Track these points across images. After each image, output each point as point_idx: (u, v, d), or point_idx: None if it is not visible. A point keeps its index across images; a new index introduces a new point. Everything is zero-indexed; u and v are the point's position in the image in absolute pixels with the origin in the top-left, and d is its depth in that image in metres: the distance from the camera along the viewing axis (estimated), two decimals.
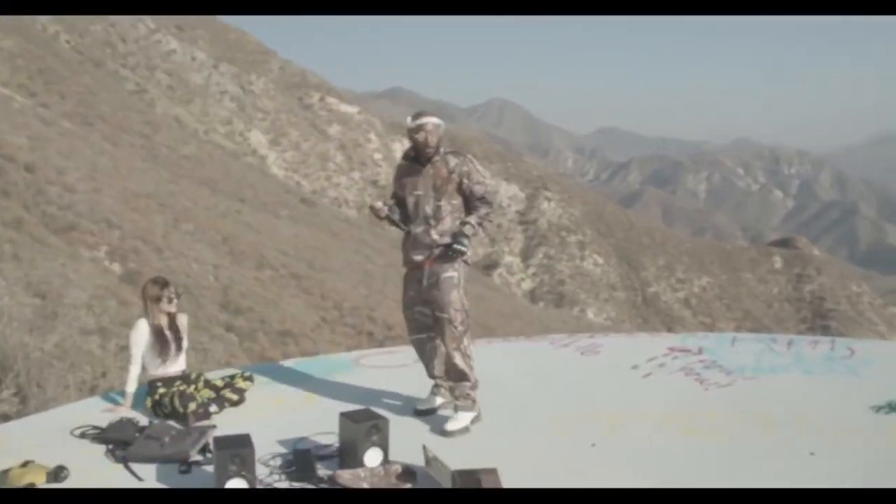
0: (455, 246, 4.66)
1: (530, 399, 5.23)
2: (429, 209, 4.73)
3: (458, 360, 4.68)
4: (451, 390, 4.77)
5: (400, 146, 78.28)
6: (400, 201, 4.88)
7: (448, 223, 4.72)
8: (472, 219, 4.73)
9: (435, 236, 4.72)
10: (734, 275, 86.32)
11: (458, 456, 3.85)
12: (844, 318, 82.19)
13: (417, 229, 4.77)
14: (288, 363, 6.38)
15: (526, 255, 74.31)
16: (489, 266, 70.69)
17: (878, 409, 4.86)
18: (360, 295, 32.00)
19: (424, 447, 3.86)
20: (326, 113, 75.64)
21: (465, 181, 4.72)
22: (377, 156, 75.33)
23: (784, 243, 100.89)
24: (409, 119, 4.79)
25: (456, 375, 4.71)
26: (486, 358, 6.12)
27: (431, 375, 4.93)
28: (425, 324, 4.85)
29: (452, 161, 4.75)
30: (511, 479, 3.62)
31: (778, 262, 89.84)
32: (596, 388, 5.48)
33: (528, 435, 4.50)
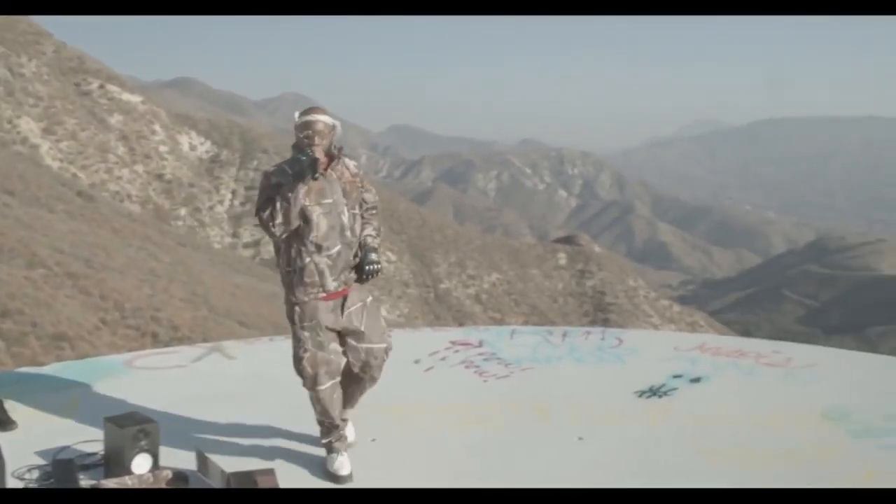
0: (372, 266, 3.98)
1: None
2: (346, 220, 3.89)
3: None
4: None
5: (188, 139, 75.52)
6: (297, 216, 3.76)
7: (359, 238, 3.98)
8: (372, 231, 4.08)
9: (352, 255, 3.93)
10: (522, 271, 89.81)
11: (236, 459, 3.73)
12: (622, 311, 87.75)
13: (334, 248, 3.84)
14: (51, 368, 5.92)
15: None
16: None
17: (641, 393, 5.20)
18: (144, 295, 30.50)
19: (197, 450, 3.71)
20: (107, 101, 71.37)
21: (361, 188, 4.04)
22: (163, 148, 72.17)
23: (568, 240, 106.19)
24: (297, 115, 3.89)
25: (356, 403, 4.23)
26: (270, 358, 6.00)
27: (340, 420, 4.01)
28: (338, 365, 3.94)
29: (352, 164, 4.02)
30: (290, 479, 3.55)
31: (562, 259, 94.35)
32: (378, 384, 5.48)
33: (311, 433, 4.44)
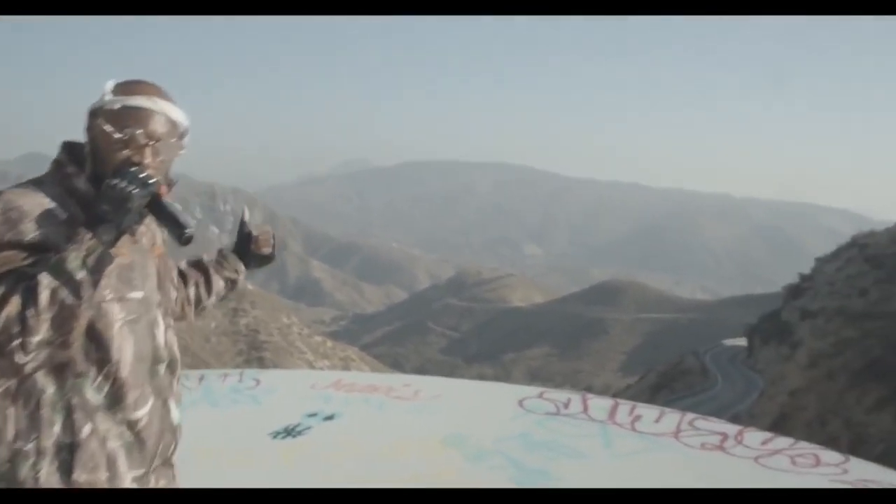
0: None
1: None
2: (160, 339, 2.13)
3: None
4: None
5: None
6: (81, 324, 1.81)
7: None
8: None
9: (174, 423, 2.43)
10: None
11: None
12: (277, 349, 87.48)
13: (143, 406, 2.05)
14: None
15: None
16: None
17: (276, 434, 5.21)
18: None
19: None
20: None
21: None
22: None
23: None
24: (110, 89, 1.90)
25: None
26: None
27: None
28: None
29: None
30: None
31: None
32: None
33: None
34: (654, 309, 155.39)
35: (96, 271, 1.71)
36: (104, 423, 1.87)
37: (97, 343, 1.85)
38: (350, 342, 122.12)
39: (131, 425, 1.91)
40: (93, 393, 1.86)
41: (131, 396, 1.91)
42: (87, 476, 1.84)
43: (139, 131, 1.85)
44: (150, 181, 1.78)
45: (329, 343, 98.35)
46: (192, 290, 2.39)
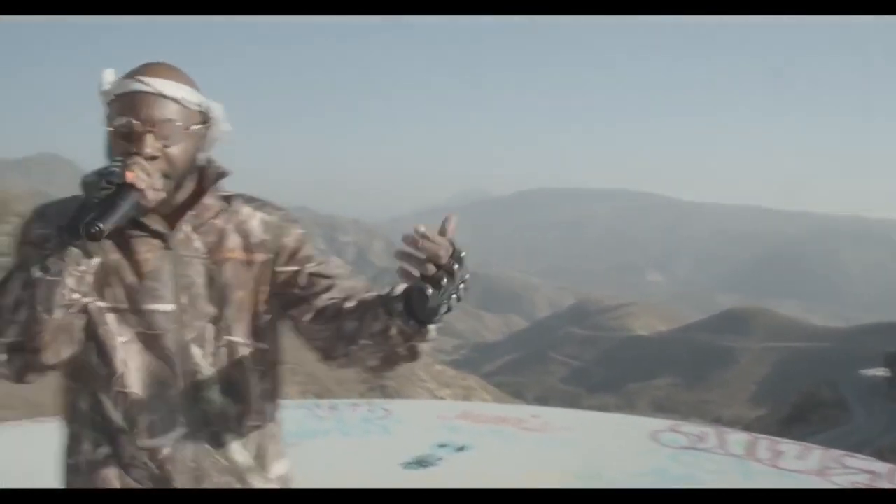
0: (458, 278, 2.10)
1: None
2: (197, 357, 1.89)
3: None
4: None
5: None
6: (74, 330, 1.68)
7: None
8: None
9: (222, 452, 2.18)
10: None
11: None
12: (399, 377, 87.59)
13: (163, 435, 1.84)
14: None
15: None
16: None
17: (408, 464, 5.25)
18: None
19: None
20: None
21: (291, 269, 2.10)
22: None
23: None
24: (107, 79, 1.70)
25: None
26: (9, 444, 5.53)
27: None
28: None
29: (268, 217, 1.89)
30: None
31: None
32: None
33: None
34: (785, 337, 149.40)
35: (55, 275, 1.52)
36: (127, 446, 1.70)
37: (102, 355, 1.69)
38: (471, 371, 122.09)
39: (151, 455, 1.69)
40: (114, 411, 1.70)
41: (144, 420, 1.69)
42: None
43: (133, 120, 1.63)
44: (111, 168, 1.56)
45: (451, 372, 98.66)
46: (345, 327, 1.79)
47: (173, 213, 1.73)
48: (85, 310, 1.63)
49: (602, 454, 5.39)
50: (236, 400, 1.76)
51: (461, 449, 5.54)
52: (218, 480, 1.72)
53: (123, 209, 1.53)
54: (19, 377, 1.61)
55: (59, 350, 1.60)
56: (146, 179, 1.58)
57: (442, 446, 5.57)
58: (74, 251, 1.54)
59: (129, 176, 1.55)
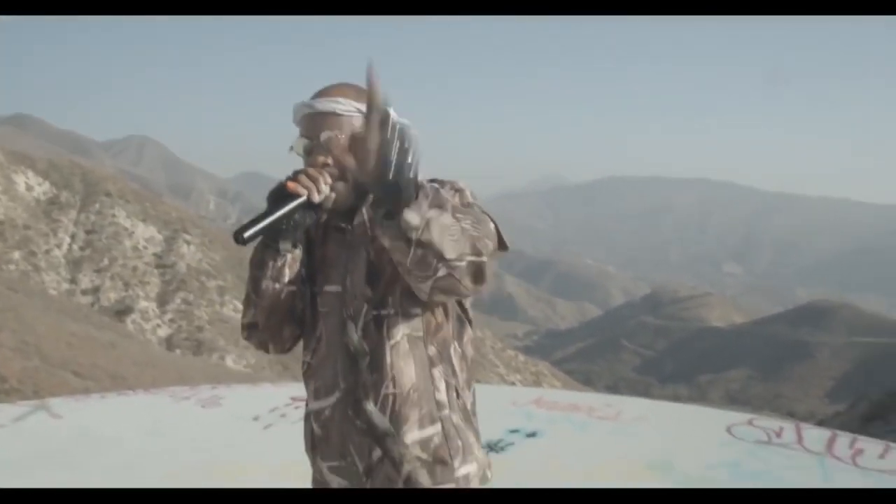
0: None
1: (141, 457, 4.95)
2: (354, 334, 2.06)
3: None
4: None
5: (24, 178, 71.62)
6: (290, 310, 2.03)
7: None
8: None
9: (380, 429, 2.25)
10: None
11: None
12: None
13: (328, 398, 2.04)
14: None
15: (163, 301, 70.94)
16: (122, 312, 66.53)
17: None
18: None
19: None
20: None
21: None
22: None
23: None
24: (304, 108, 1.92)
25: None
26: (100, 416, 5.74)
27: None
28: None
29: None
30: None
31: None
32: (214, 442, 5.34)
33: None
34: (868, 333, 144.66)
35: (258, 266, 1.96)
36: (309, 405, 2.00)
37: (308, 330, 2.00)
38: (542, 357, 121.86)
39: (317, 416, 1.96)
40: (305, 377, 2.02)
41: (312, 384, 1.98)
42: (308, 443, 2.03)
43: (304, 138, 1.90)
44: (281, 182, 1.84)
45: (521, 357, 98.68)
46: None
47: (352, 209, 1.94)
48: (296, 294, 1.97)
49: (675, 445, 5.34)
50: (373, 368, 1.89)
51: (532, 435, 5.56)
52: (359, 441, 1.89)
53: (276, 216, 1.79)
54: (262, 348, 2.09)
55: (277, 326, 2.00)
56: (310, 186, 1.82)
57: (513, 431, 5.59)
58: (270, 247, 1.92)
59: (290, 186, 1.80)
